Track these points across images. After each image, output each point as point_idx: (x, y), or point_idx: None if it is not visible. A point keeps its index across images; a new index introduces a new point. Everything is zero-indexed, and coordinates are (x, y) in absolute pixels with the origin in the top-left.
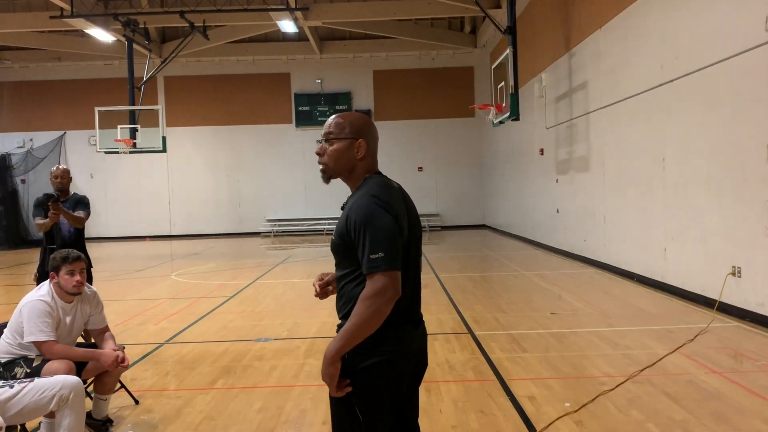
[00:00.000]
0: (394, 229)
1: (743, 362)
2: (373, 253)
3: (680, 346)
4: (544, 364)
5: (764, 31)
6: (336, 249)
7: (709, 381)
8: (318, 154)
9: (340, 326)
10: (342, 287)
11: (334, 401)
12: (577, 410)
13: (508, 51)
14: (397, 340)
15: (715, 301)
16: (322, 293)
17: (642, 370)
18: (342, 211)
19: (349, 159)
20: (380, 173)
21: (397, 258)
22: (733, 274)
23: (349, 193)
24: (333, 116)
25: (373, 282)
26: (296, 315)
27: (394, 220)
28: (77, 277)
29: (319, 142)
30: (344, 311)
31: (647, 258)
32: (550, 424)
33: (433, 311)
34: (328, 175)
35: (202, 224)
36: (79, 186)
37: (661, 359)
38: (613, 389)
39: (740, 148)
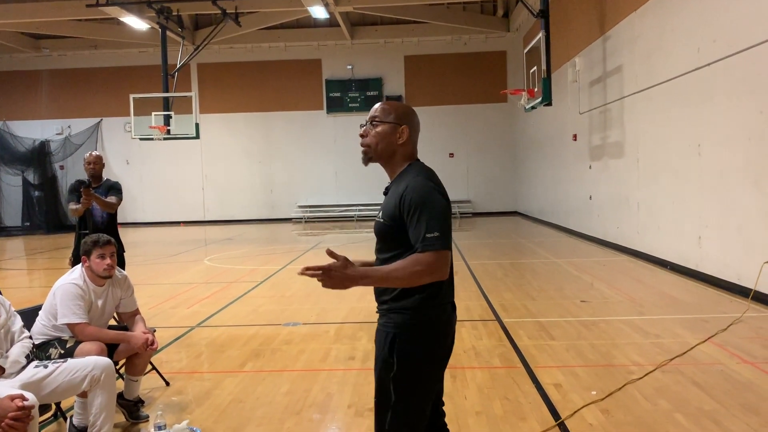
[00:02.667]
0: (447, 212)
1: None
2: (429, 232)
3: (712, 336)
4: (571, 351)
5: None
6: (384, 231)
7: (741, 371)
8: (362, 135)
9: (385, 310)
10: None
11: (381, 368)
12: (603, 399)
13: (540, 35)
14: (441, 322)
15: (750, 290)
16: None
17: (672, 359)
18: (385, 196)
19: (391, 143)
20: (419, 161)
21: (450, 239)
22: None
23: (385, 178)
24: (379, 103)
25: (427, 255)
26: (325, 300)
27: (447, 204)
28: (108, 261)
29: (363, 125)
30: (391, 294)
31: (681, 246)
32: (575, 412)
33: (462, 297)
34: (368, 157)
35: (235, 210)
36: (114, 172)
37: (691, 348)
38: (641, 378)
39: None
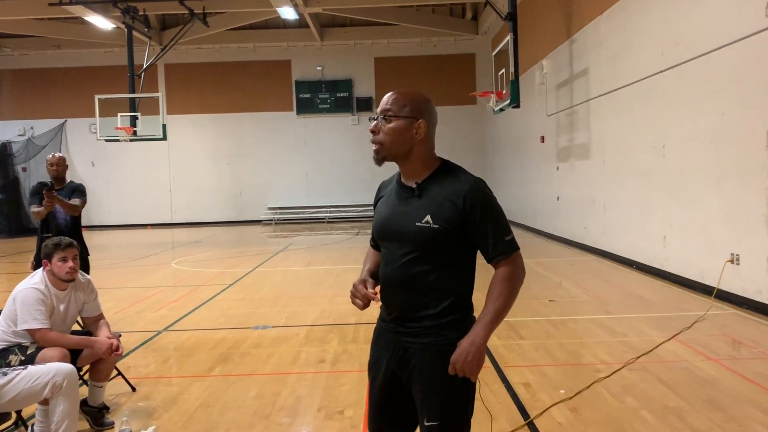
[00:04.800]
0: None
1: (740, 349)
2: (506, 235)
3: (677, 333)
4: (540, 351)
5: (764, 17)
6: (437, 237)
7: (705, 368)
8: (372, 132)
9: (434, 327)
10: (431, 280)
11: (445, 389)
12: (571, 397)
13: (508, 38)
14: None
15: (714, 288)
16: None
17: (638, 357)
18: (420, 198)
19: (407, 140)
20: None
21: None
22: (732, 261)
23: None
24: (391, 93)
25: (512, 260)
26: (295, 303)
27: None
28: (70, 264)
29: (373, 119)
30: (440, 307)
31: (647, 245)
32: (544, 411)
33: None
34: (381, 156)
35: (203, 212)
36: (80, 174)
37: (657, 346)
38: (608, 376)
39: (740, 135)
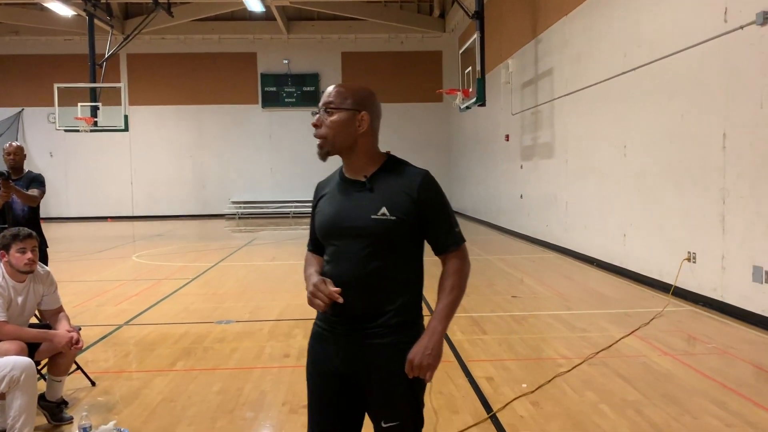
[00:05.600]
0: None
1: (695, 345)
2: (456, 226)
3: (636, 329)
4: (503, 346)
5: (723, 23)
6: (392, 229)
7: (662, 363)
8: (315, 126)
9: (393, 326)
10: (389, 276)
11: (404, 389)
12: (533, 391)
13: (475, 36)
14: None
15: (671, 285)
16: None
17: (598, 352)
18: (372, 192)
19: (350, 133)
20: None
21: None
22: (689, 259)
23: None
24: (333, 85)
25: (461, 253)
26: (259, 298)
27: None
28: (29, 255)
29: (315, 113)
30: (398, 303)
31: (607, 243)
32: (506, 405)
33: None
34: (326, 150)
35: (165, 205)
36: (38, 165)
37: (616, 342)
38: (569, 371)
39: (698, 137)
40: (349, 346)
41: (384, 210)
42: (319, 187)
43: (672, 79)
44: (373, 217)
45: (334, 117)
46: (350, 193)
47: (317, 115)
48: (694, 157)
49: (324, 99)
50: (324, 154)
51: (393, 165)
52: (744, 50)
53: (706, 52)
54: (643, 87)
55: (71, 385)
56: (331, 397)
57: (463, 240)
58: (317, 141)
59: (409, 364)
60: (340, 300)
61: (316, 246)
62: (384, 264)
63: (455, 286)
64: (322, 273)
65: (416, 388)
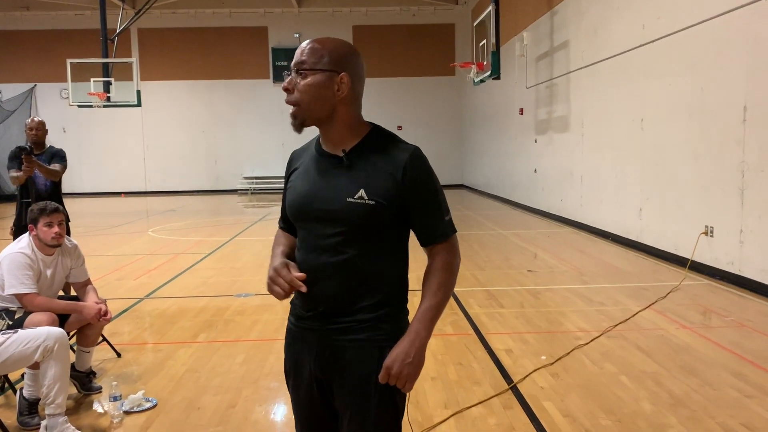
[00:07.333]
0: None
1: (712, 318)
2: (446, 214)
3: (653, 303)
4: (520, 319)
5: None
6: (372, 215)
7: (680, 336)
8: (286, 90)
9: (370, 320)
10: (365, 267)
11: (381, 397)
12: (552, 363)
13: (489, 8)
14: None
15: (688, 259)
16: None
17: (616, 325)
18: (350, 169)
19: (328, 98)
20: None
21: None
22: (706, 233)
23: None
24: (307, 41)
25: (451, 245)
26: None
27: None
28: (56, 229)
29: (287, 74)
30: (376, 297)
31: (623, 218)
32: (526, 376)
33: (413, 268)
34: (299, 121)
35: (177, 181)
36: (51, 140)
37: (634, 315)
38: (587, 343)
39: (717, 110)
40: (321, 345)
41: (361, 192)
42: (293, 158)
43: (692, 51)
44: (348, 200)
45: (308, 80)
46: (325, 169)
47: (288, 77)
48: (714, 131)
49: (296, 58)
50: (298, 125)
51: (377, 138)
52: (767, 21)
53: (728, 24)
54: (662, 60)
55: (97, 356)
56: (311, 405)
57: (454, 230)
58: (289, 109)
59: (386, 371)
60: (303, 288)
61: (287, 224)
62: (359, 252)
63: (443, 285)
64: (293, 260)
65: (397, 399)
